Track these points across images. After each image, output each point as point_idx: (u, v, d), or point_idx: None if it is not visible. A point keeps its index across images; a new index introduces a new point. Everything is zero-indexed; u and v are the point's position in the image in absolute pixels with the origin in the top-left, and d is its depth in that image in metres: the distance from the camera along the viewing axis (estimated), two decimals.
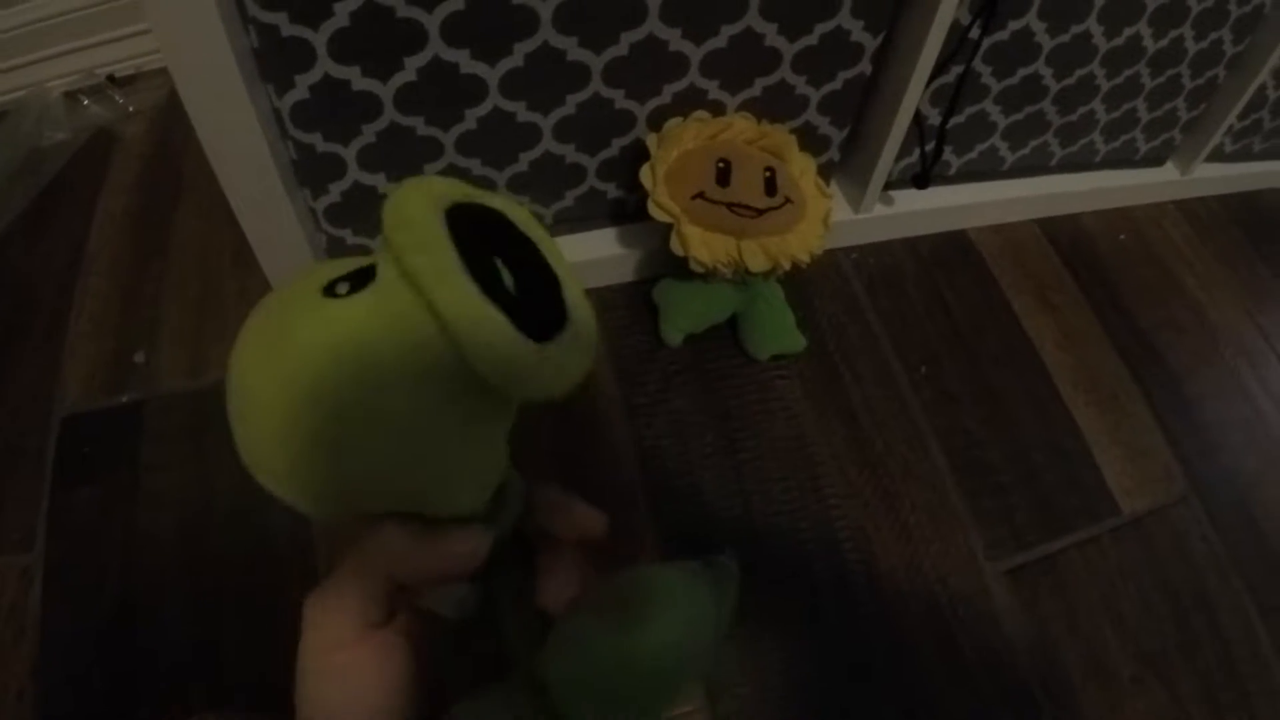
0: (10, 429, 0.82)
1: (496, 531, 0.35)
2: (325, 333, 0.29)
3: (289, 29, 0.65)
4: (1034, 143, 1.11)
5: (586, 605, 0.35)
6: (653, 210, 0.82)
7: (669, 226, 0.82)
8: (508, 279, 0.29)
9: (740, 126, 0.85)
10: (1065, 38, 0.96)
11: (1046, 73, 1.00)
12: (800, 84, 0.87)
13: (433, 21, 0.68)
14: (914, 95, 0.89)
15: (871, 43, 0.85)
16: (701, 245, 0.81)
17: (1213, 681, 0.86)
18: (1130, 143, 1.19)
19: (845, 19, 0.82)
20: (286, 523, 0.76)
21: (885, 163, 0.97)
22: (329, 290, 0.30)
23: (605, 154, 0.86)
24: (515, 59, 0.74)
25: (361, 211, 0.81)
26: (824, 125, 0.93)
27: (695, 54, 0.80)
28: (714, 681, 0.75)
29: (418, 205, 0.29)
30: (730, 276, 0.86)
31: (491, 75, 0.74)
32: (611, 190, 0.91)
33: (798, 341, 0.94)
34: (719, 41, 0.79)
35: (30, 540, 0.76)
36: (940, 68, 0.89)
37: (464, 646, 0.37)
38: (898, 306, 1.05)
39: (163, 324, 0.90)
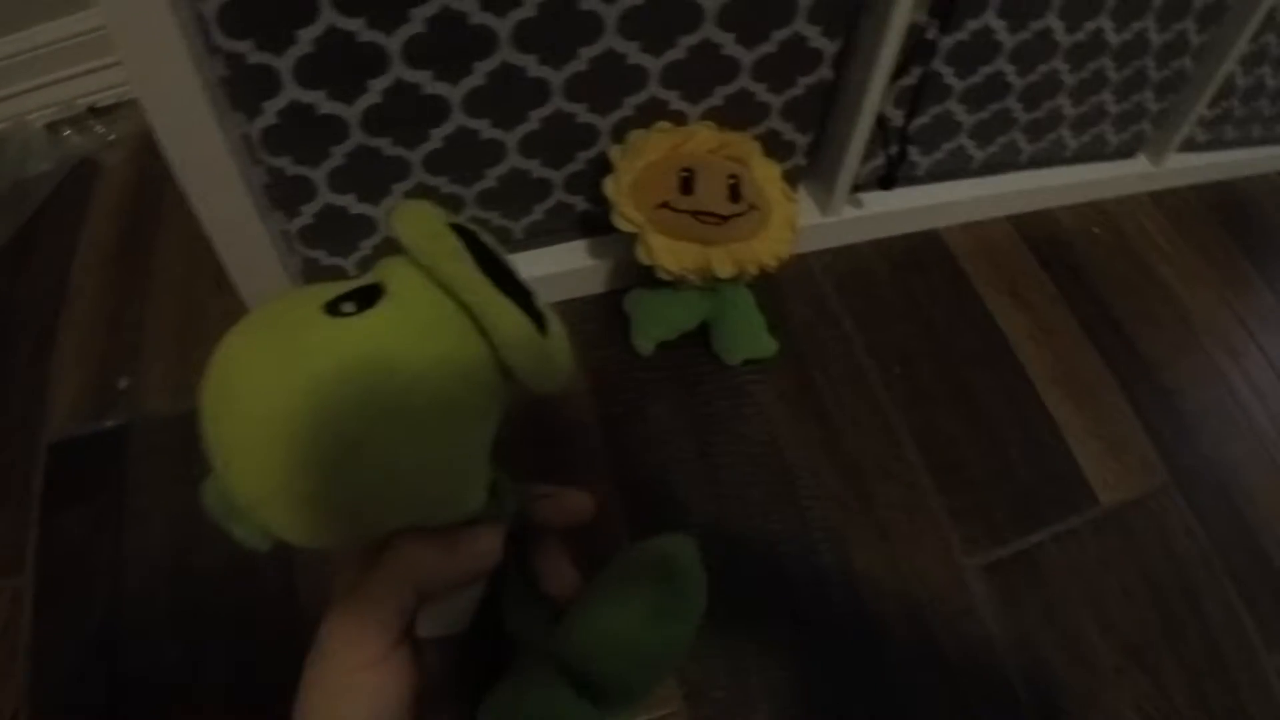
0: None
1: (504, 527, 0.37)
2: (354, 349, 0.30)
3: (255, 56, 0.67)
4: (1002, 140, 1.12)
5: (617, 585, 0.38)
6: (617, 221, 0.83)
7: (636, 237, 0.83)
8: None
9: (703, 136, 0.87)
10: (1026, 35, 0.98)
11: (1009, 70, 1.02)
12: (761, 91, 0.88)
13: (394, 44, 0.70)
14: (875, 98, 0.91)
15: (830, 48, 0.87)
16: (668, 254, 0.83)
17: (1198, 671, 0.87)
18: (1100, 136, 1.20)
19: (802, 25, 0.83)
20: None
21: (851, 166, 0.99)
22: (333, 309, 0.31)
23: (571, 168, 0.88)
24: (476, 78, 0.75)
25: (334, 232, 0.83)
26: (788, 131, 0.94)
27: (654, 66, 0.81)
28: (692, 685, 0.76)
29: (439, 219, 0.32)
30: (699, 284, 0.87)
31: (454, 94, 0.76)
32: (579, 203, 0.92)
33: (769, 346, 0.95)
34: (677, 53, 0.81)
35: (20, 564, 0.77)
36: (901, 70, 0.91)
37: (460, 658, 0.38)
38: (870, 307, 1.06)
39: (145, 349, 0.92)
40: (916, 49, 0.89)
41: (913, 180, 1.12)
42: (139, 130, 1.15)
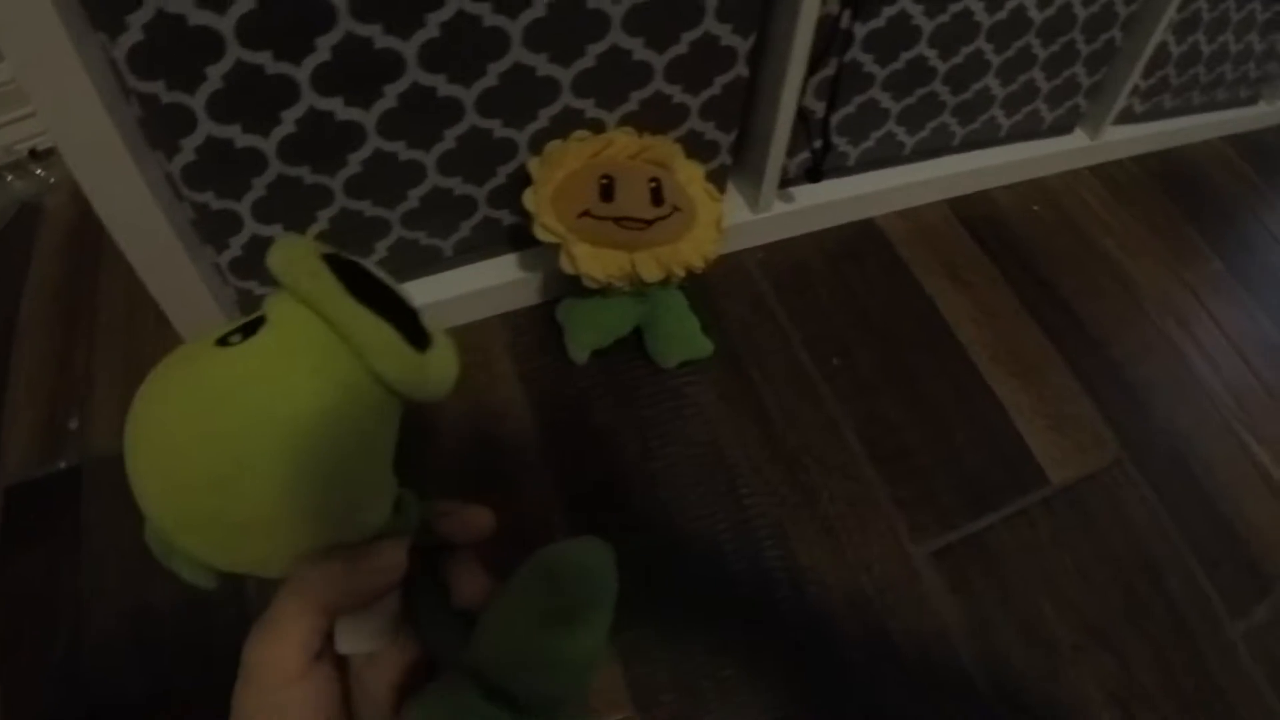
0: None
1: (407, 540, 0.39)
2: (236, 372, 0.33)
3: (168, 96, 0.68)
4: (932, 124, 1.14)
5: (511, 592, 0.39)
6: (538, 233, 0.84)
7: (560, 248, 0.85)
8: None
9: (622, 142, 0.88)
10: (945, 18, 1.00)
11: (931, 54, 1.03)
12: (677, 93, 0.89)
13: (302, 74, 0.71)
14: (793, 92, 0.92)
15: (743, 45, 0.88)
16: (592, 262, 0.84)
17: (1162, 645, 0.87)
18: (1034, 114, 1.22)
19: (712, 25, 0.84)
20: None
21: (776, 161, 1.00)
22: (223, 342, 0.34)
23: (493, 183, 0.89)
24: (388, 100, 0.76)
25: (263, 262, 0.83)
26: (709, 131, 0.95)
27: (565, 76, 0.82)
28: (642, 689, 0.76)
29: (300, 247, 0.35)
30: (629, 289, 0.88)
31: (367, 119, 0.77)
32: (506, 217, 0.93)
33: (705, 346, 0.96)
34: (587, 61, 0.82)
35: None
36: (818, 62, 0.92)
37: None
38: (806, 301, 1.07)
39: (93, 388, 0.92)
40: (833, 40, 0.91)
41: (844, 170, 1.13)
42: None
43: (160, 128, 0.70)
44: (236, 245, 0.82)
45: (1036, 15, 1.06)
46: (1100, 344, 1.13)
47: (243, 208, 0.79)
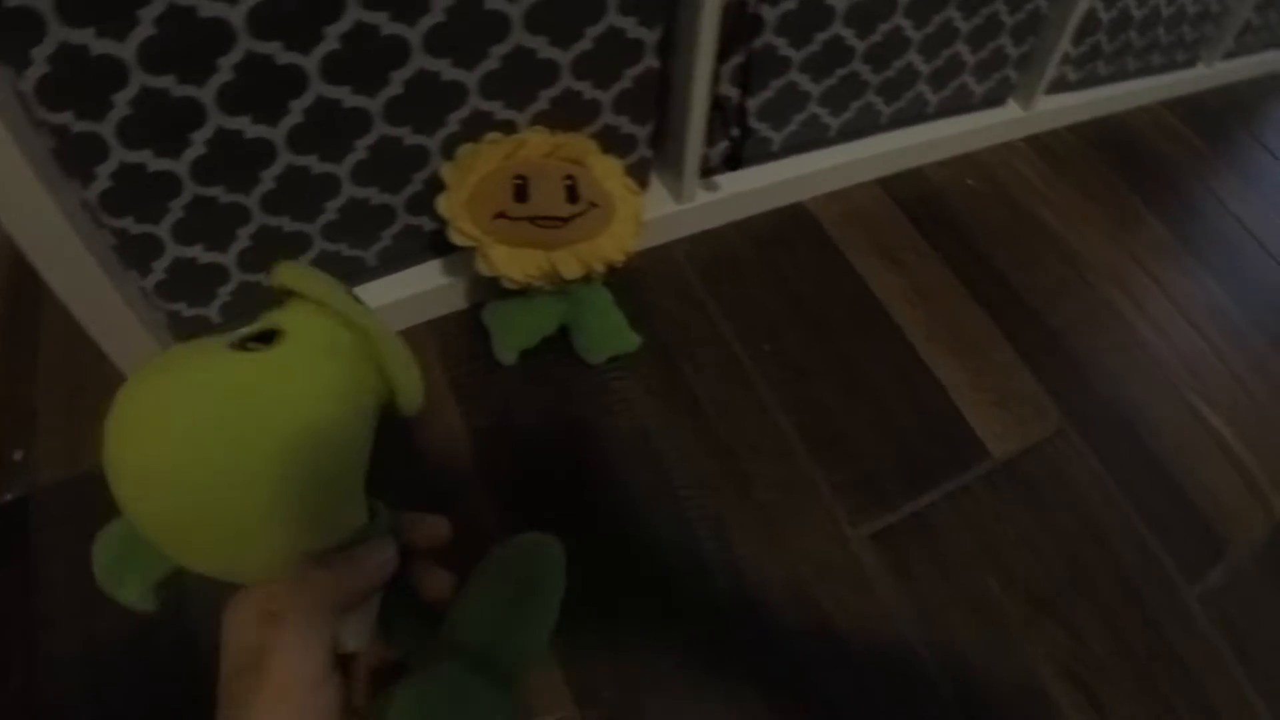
0: None
1: (391, 538, 0.46)
2: (263, 376, 0.39)
3: (78, 126, 0.72)
4: (856, 104, 1.19)
5: (484, 575, 0.49)
6: (454, 237, 0.89)
7: (476, 251, 0.90)
8: None
9: (535, 141, 0.92)
10: None
11: (847, 34, 1.08)
12: (587, 89, 0.94)
13: (207, 95, 0.75)
14: (704, 81, 0.97)
15: (651, 36, 0.92)
16: (511, 263, 0.89)
17: (1114, 613, 0.91)
18: (962, 88, 1.27)
19: (615, 18, 0.89)
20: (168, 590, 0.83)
21: (695, 151, 1.05)
22: (240, 346, 0.40)
23: (409, 190, 0.93)
24: (295, 116, 0.81)
25: (189, 284, 0.88)
26: (624, 125, 1.00)
27: (470, 79, 0.87)
28: (581, 687, 0.80)
29: (310, 270, 0.42)
30: (550, 288, 0.93)
31: (276, 135, 0.81)
32: (426, 223, 0.97)
33: (631, 340, 1.01)
34: (491, 63, 0.86)
35: None
36: (730, 48, 0.97)
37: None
38: (735, 290, 1.11)
39: (37, 419, 0.96)
40: (745, 25, 0.96)
41: (769, 156, 1.18)
42: None
43: (73, 157, 0.74)
44: (160, 269, 0.86)
45: None
46: (1040, 315, 1.17)
47: (162, 231, 0.83)
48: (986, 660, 0.87)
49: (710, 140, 1.07)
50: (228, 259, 0.89)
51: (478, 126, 0.92)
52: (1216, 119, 1.61)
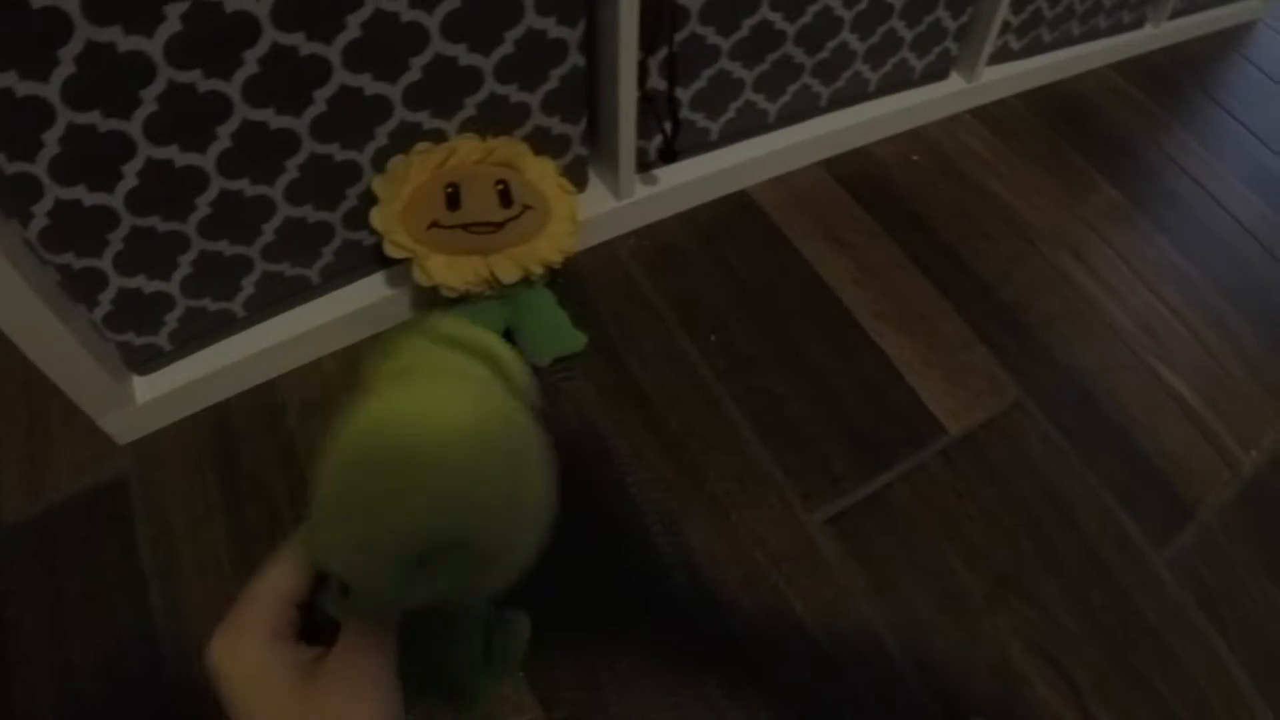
0: None
1: None
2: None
3: (10, 167, 0.76)
4: (792, 88, 1.24)
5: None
6: (390, 250, 0.94)
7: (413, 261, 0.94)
8: None
9: (466, 148, 0.96)
10: None
11: (775, 18, 1.12)
12: (513, 93, 0.98)
13: (134, 127, 0.79)
14: (630, 75, 1.01)
15: (572, 35, 0.96)
16: (448, 271, 0.93)
17: (1079, 582, 0.95)
18: (902, 64, 1.32)
19: (534, 20, 0.93)
20: (129, 620, 0.87)
21: (629, 146, 1.09)
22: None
23: (345, 206, 0.98)
24: (223, 141, 0.85)
25: (136, 314, 0.92)
26: (556, 125, 1.04)
27: (394, 92, 0.91)
28: (545, 689, 0.84)
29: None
30: (490, 293, 0.98)
31: (206, 161, 0.85)
32: (365, 237, 1.02)
33: (577, 340, 1.05)
34: (413, 75, 0.90)
35: None
36: (654, 40, 1.00)
37: None
38: (680, 282, 1.15)
39: None
40: (667, 16, 0.99)
41: (708, 145, 1.23)
42: None
43: (9, 197, 0.78)
44: (106, 301, 0.90)
45: None
46: (992, 288, 1.21)
47: (104, 263, 0.87)
48: (952, 640, 0.90)
49: (645, 134, 1.12)
50: (171, 287, 0.93)
51: (407, 138, 0.96)
52: (1167, 78, 1.65)
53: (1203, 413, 1.13)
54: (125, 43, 0.73)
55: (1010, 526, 0.97)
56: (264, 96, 0.84)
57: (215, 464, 0.96)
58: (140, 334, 0.95)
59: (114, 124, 0.78)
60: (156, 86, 0.77)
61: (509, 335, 1.04)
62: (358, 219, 0.99)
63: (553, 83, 1.00)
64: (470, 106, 0.97)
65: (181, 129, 0.82)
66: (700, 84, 1.14)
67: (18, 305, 0.80)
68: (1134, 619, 0.93)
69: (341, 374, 1.02)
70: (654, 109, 1.07)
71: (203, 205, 0.88)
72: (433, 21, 0.87)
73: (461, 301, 0.99)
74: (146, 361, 0.96)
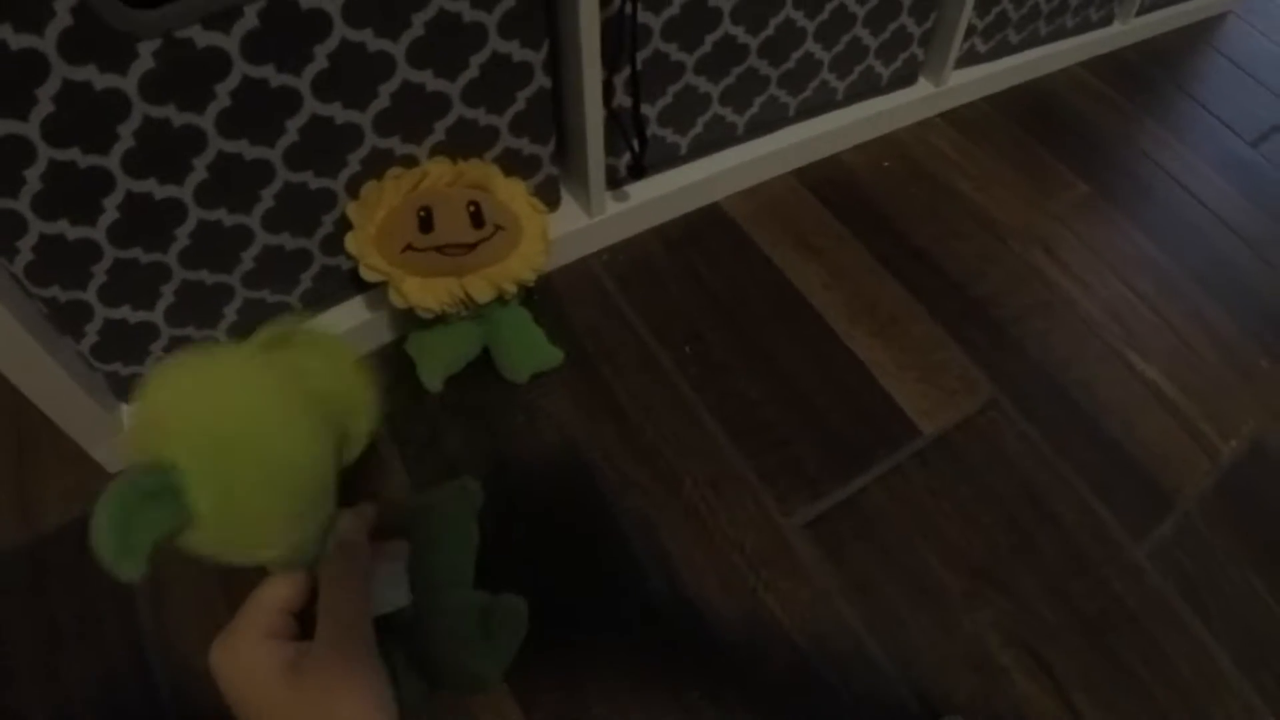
0: None
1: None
2: None
3: None
4: (759, 100, 1.27)
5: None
6: (365, 274, 0.97)
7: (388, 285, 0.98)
8: None
9: (437, 172, 1.00)
10: None
11: (738, 31, 1.16)
12: (481, 116, 1.02)
13: (112, 162, 0.82)
14: (595, 94, 1.05)
15: (536, 57, 1.00)
16: (423, 293, 0.97)
17: (1058, 575, 0.98)
18: (868, 72, 1.36)
19: (498, 44, 0.96)
20: (121, 647, 0.90)
21: (598, 164, 1.13)
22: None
23: (321, 232, 1.01)
24: (199, 173, 0.88)
25: (122, 344, 0.95)
26: (525, 146, 1.08)
27: (364, 120, 0.94)
28: (527, 698, 0.86)
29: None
30: (466, 313, 1.02)
31: (184, 193, 0.89)
32: (343, 263, 1.05)
33: (553, 356, 1.09)
34: (381, 102, 0.94)
35: None
36: (618, 59, 1.04)
37: None
38: (653, 295, 1.19)
39: None
40: (628, 35, 1.03)
41: (678, 160, 1.27)
42: None
43: None
44: (92, 332, 0.93)
45: None
46: (963, 287, 1.25)
47: (89, 295, 0.91)
48: (932, 636, 0.93)
49: (614, 151, 1.16)
50: (156, 316, 0.97)
51: (379, 163, 0.99)
52: (1138, 74, 1.69)
53: (1179, 401, 1.16)
54: (101, 80, 0.76)
55: (987, 523, 1.00)
56: (237, 128, 0.87)
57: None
58: (127, 364, 0.98)
59: (93, 159, 0.81)
60: (132, 122, 0.81)
61: (487, 354, 1.08)
62: (334, 245, 1.03)
63: (520, 104, 1.04)
64: (440, 131, 1.01)
65: (159, 162, 0.85)
66: (666, 100, 1.17)
67: (6, 338, 0.83)
68: (1114, 608, 0.95)
69: None
70: (621, 126, 1.11)
71: (182, 236, 0.92)
72: (399, 49, 0.91)
73: (438, 322, 1.03)
74: (134, 390, 0.98)
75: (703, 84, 1.19)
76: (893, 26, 1.32)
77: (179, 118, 0.83)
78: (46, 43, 0.72)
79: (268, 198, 0.95)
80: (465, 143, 1.04)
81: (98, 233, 0.86)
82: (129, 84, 0.78)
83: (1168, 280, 1.31)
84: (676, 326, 1.15)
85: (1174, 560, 1.00)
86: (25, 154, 0.77)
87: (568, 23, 1.00)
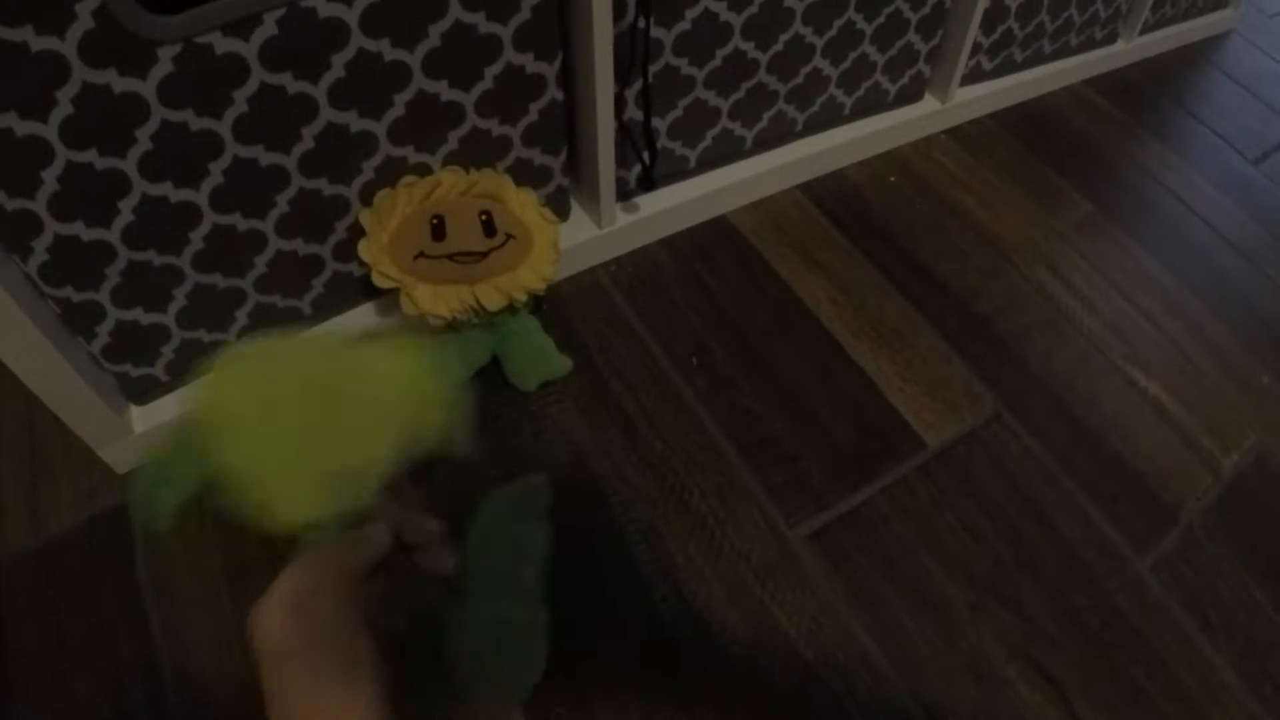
0: None
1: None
2: None
3: (11, 204, 0.80)
4: (768, 114, 1.28)
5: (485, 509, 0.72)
6: (377, 280, 0.98)
7: (400, 291, 0.98)
8: None
9: (450, 181, 1.01)
10: (753, 9, 1.13)
11: (748, 47, 1.17)
12: (494, 126, 1.02)
13: (129, 165, 0.83)
14: (607, 107, 1.06)
15: (550, 69, 1.01)
16: (435, 300, 0.98)
17: (1062, 589, 0.98)
18: (875, 88, 1.37)
19: (512, 56, 0.97)
20: (130, 648, 0.90)
21: (608, 176, 1.14)
22: None
23: (334, 239, 1.02)
24: (215, 178, 0.89)
25: (133, 346, 0.96)
26: (536, 157, 1.09)
27: (379, 128, 0.95)
28: (534, 709, 0.86)
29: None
30: (476, 321, 1.02)
31: (199, 198, 0.89)
32: (355, 270, 1.06)
33: (562, 365, 1.09)
34: (397, 111, 0.94)
35: None
36: (630, 73, 1.05)
37: None
38: (660, 306, 1.19)
39: (1, 489, 1.02)
40: (640, 50, 1.04)
41: (687, 173, 1.27)
42: None
43: (10, 233, 0.82)
44: (104, 333, 0.94)
45: None
46: (967, 303, 1.25)
47: (102, 297, 0.91)
48: (936, 647, 0.93)
49: (624, 164, 1.16)
50: (167, 319, 0.97)
51: (392, 172, 1.00)
52: (1141, 92, 1.70)
53: (1181, 417, 1.16)
54: (120, 84, 0.76)
55: (990, 536, 1.00)
56: (253, 134, 0.87)
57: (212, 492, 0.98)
58: (137, 365, 0.98)
59: (110, 162, 0.82)
60: (150, 126, 0.81)
61: (497, 362, 1.08)
62: (346, 251, 1.03)
63: (532, 116, 1.05)
64: (453, 141, 1.01)
65: (175, 166, 0.86)
66: (676, 113, 1.18)
67: (19, 338, 0.84)
68: (1117, 620, 0.95)
69: None
70: (632, 139, 1.12)
71: (196, 240, 0.92)
72: (414, 60, 0.91)
73: (449, 330, 1.03)
74: (144, 392, 1.00)
75: (712, 98, 1.20)
76: (900, 43, 1.33)
77: (196, 123, 0.84)
78: (67, 45, 0.72)
79: (282, 203, 0.95)
80: (478, 153, 1.04)
81: (112, 235, 0.87)
82: (148, 88, 0.79)
83: (1170, 297, 1.31)
84: (684, 338, 1.16)
85: (1176, 573, 1.01)
86: (43, 155, 0.78)
87: (581, 36, 1.00)
